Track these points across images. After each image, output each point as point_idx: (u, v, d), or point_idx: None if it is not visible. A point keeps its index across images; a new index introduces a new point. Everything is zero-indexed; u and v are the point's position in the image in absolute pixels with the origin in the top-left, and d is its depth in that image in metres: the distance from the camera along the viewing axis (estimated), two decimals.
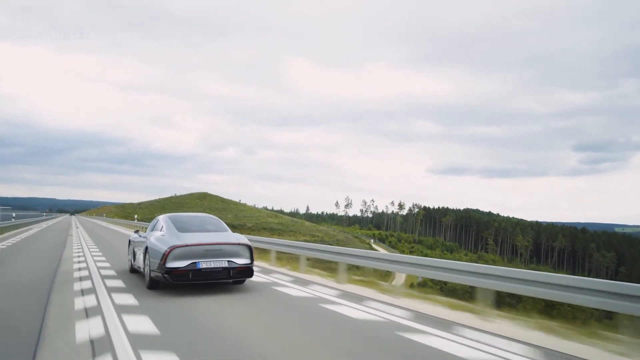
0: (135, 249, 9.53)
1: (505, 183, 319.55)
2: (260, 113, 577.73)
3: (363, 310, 6.50)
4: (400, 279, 38.68)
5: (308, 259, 11.21)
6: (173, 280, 7.28)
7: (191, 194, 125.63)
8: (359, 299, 7.45)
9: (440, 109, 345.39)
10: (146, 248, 8.17)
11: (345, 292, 8.04)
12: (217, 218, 9.30)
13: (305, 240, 59.32)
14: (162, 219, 8.90)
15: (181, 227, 8.22)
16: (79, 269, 10.54)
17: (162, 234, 8.19)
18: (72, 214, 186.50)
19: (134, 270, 9.86)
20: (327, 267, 12.01)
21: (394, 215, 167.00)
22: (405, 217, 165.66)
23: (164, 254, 7.36)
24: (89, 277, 9.21)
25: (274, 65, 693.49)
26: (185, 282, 7.40)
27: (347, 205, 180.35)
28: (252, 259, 7.94)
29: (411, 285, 19.86)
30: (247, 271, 7.88)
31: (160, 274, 7.39)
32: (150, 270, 7.78)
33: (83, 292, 7.49)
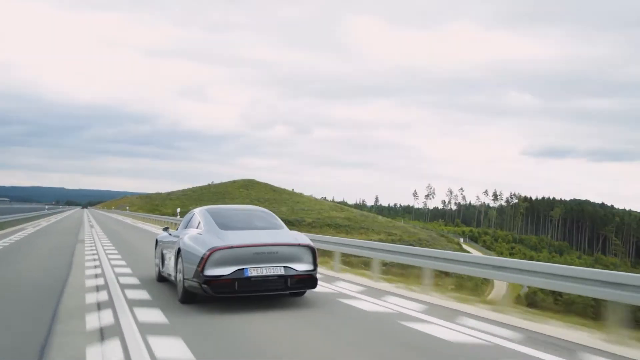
0: (165, 252, 9.64)
1: (618, 167, 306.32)
2: (316, 83, 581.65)
3: (458, 331, 6.44)
4: (500, 289, 37.40)
5: (385, 264, 11.26)
6: (214, 292, 7.26)
7: (234, 182, 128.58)
8: (450, 314, 7.43)
9: (539, 77, 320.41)
10: (178, 250, 8.20)
11: (431, 306, 8.08)
12: (268, 212, 9.36)
13: (380, 240, 59.32)
14: (199, 213, 8.96)
15: (224, 224, 8.22)
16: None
17: (199, 232, 8.24)
18: (85, 207, 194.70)
19: (162, 279, 9.98)
20: (405, 273, 12.24)
21: (487, 207, 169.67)
22: (499, 210, 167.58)
23: (202, 258, 7.33)
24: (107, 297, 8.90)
25: (334, 24, 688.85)
26: (229, 294, 7.39)
27: (427, 196, 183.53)
28: (315, 265, 7.90)
29: (517, 297, 19.23)
30: (309, 280, 7.86)
31: (196, 284, 7.37)
32: (183, 279, 7.78)
33: (100, 307, 7.62)
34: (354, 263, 14.66)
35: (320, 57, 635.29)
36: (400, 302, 8.26)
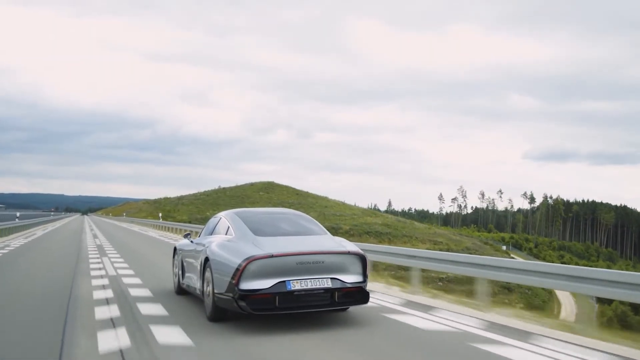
0: (186, 261, 9.60)
1: (621, 171, 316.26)
2: (319, 87, 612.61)
3: (549, 356, 6.05)
4: (568, 305, 37.13)
5: (422, 274, 11.07)
6: (251, 309, 6.98)
7: (252, 185, 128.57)
8: (524, 335, 7.08)
9: (541, 80, 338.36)
10: (206, 260, 8.04)
11: (493, 324, 7.78)
12: (305, 215, 9.22)
13: (428, 249, 58.89)
14: (227, 217, 8.80)
15: (258, 229, 8.01)
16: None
17: (229, 238, 8.10)
18: (85, 213, 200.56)
19: (182, 291, 9.95)
20: (446, 287, 12.48)
21: (527, 211, 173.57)
22: (525, 213, 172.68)
23: (236, 269, 7.06)
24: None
25: (337, 28, 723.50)
26: (269, 311, 7.12)
27: (454, 199, 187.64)
28: (365, 276, 7.69)
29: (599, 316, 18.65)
30: (359, 294, 7.63)
31: (230, 300, 7.12)
32: (213, 294, 7.56)
33: (114, 323, 7.40)
34: (386, 275, 14.59)
35: (323, 61, 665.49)
36: (456, 319, 8.07)
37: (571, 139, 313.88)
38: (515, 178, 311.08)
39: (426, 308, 9.00)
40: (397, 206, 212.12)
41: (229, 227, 8.40)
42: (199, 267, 8.40)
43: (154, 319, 7.77)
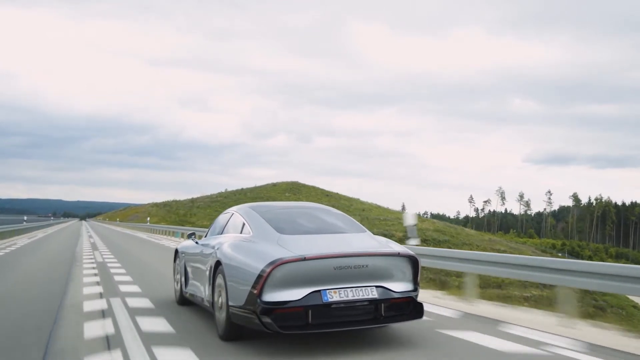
0: (190, 266, 8.89)
1: (622, 174, 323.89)
2: (319, 91, 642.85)
3: None
4: None
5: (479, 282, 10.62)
6: (278, 327, 5.98)
7: (274, 185, 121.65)
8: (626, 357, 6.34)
9: (544, 83, 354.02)
10: (216, 264, 7.17)
11: (593, 346, 6.61)
12: (333, 209, 8.27)
13: None
14: (241, 212, 7.92)
15: (282, 226, 7.06)
16: None
17: (245, 237, 7.20)
18: (83, 218, 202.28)
19: (185, 301, 9.30)
20: (505, 295, 11.99)
21: (559, 215, 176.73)
22: (558, 217, 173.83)
23: (259, 275, 6.04)
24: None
25: (338, 32, 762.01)
26: (300, 330, 6.15)
27: (486, 202, 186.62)
28: (417, 283, 6.82)
29: None
30: (411, 306, 6.71)
31: (250, 315, 6.18)
32: (227, 307, 6.66)
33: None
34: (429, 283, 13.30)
35: (323, 65, 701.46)
36: (538, 337, 6.99)
37: (574, 142, 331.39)
38: (516, 182, 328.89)
39: (491, 322, 8.13)
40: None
41: (244, 224, 7.49)
42: (207, 274, 7.59)
43: (157, 338, 6.84)
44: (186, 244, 9.44)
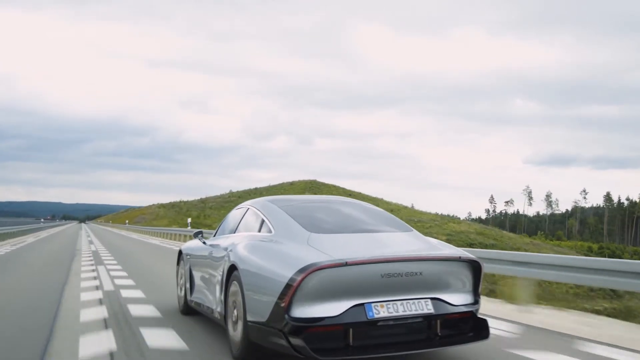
0: (197, 270, 7.78)
1: (623, 175, 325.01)
2: (320, 93, 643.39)
3: None
4: None
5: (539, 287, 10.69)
6: (313, 350, 4.84)
7: (292, 184, 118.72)
8: None
9: (545, 84, 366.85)
10: (231, 270, 6.03)
11: None
12: (366, 204, 7.12)
13: None
14: (258, 206, 6.77)
15: (311, 223, 5.90)
16: None
17: (265, 237, 6.06)
18: (82, 221, 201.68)
19: (190, 310, 8.06)
20: (567, 305, 9.94)
21: (590, 214, 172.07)
22: (584, 215, 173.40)
23: (287, 285, 4.90)
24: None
25: (340, 33, 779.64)
26: (341, 355, 4.98)
27: (508, 202, 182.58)
28: (477, 294, 5.71)
29: None
30: (472, 323, 5.59)
31: (275, 333, 5.07)
32: (245, 322, 5.50)
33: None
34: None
35: (324, 67, 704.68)
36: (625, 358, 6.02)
37: (575, 143, 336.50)
38: (516, 183, 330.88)
39: (563, 338, 7.09)
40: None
41: (263, 220, 6.35)
42: (219, 280, 6.44)
43: (167, 356, 5.87)
44: (192, 244, 8.30)
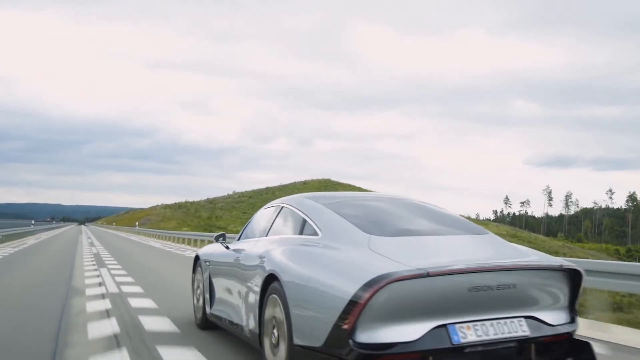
0: (219, 279, 6.79)
1: (623, 176, 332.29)
2: (320, 94, 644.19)
3: None
4: None
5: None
6: None
7: (305, 183, 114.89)
8: None
9: (546, 85, 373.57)
10: (269, 280, 4.98)
11: None
12: (425, 202, 6.00)
13: None
14: (295, 203, 5.71)
15: (369, 224, 4.78)
16: None
17: (311, 240, 4.96)
18: (82, 223, 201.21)
19: (209, 324, 7.09)
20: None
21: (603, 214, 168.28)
22: (592, 215, 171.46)
23: (352, 301, 3.82)
24: None
25: (340, 34, 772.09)
26: None
27: (524, 203, 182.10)
28: (573, 311, 4.68)
29: None
30: (566, 347, 4.58)
31: None
32: (291, 346, 4.46)
33: None
34: None
35: (324, 68, 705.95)
36: None
37: (575, 144, 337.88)
38: (516, 185, 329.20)
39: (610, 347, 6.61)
40: None
41: (304, 220, 5.26)
42: (251, 292, 5.39)
43: None
44: (211, 249, 7.32)
